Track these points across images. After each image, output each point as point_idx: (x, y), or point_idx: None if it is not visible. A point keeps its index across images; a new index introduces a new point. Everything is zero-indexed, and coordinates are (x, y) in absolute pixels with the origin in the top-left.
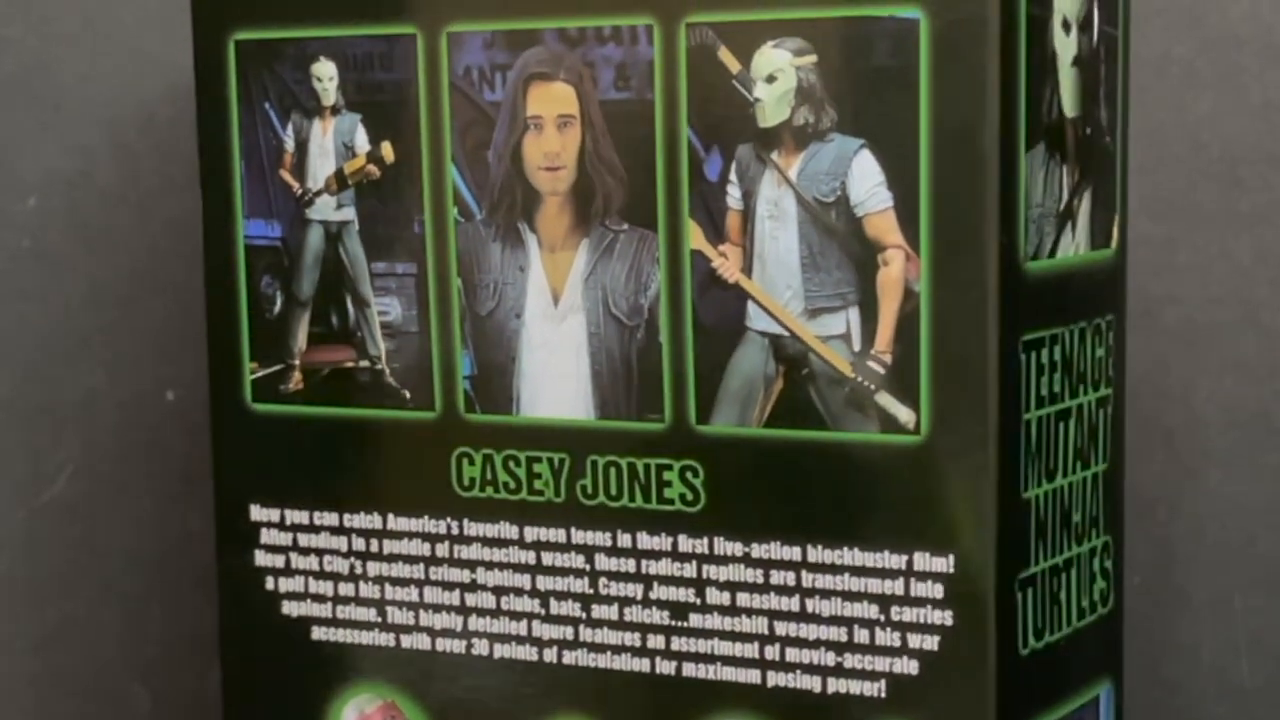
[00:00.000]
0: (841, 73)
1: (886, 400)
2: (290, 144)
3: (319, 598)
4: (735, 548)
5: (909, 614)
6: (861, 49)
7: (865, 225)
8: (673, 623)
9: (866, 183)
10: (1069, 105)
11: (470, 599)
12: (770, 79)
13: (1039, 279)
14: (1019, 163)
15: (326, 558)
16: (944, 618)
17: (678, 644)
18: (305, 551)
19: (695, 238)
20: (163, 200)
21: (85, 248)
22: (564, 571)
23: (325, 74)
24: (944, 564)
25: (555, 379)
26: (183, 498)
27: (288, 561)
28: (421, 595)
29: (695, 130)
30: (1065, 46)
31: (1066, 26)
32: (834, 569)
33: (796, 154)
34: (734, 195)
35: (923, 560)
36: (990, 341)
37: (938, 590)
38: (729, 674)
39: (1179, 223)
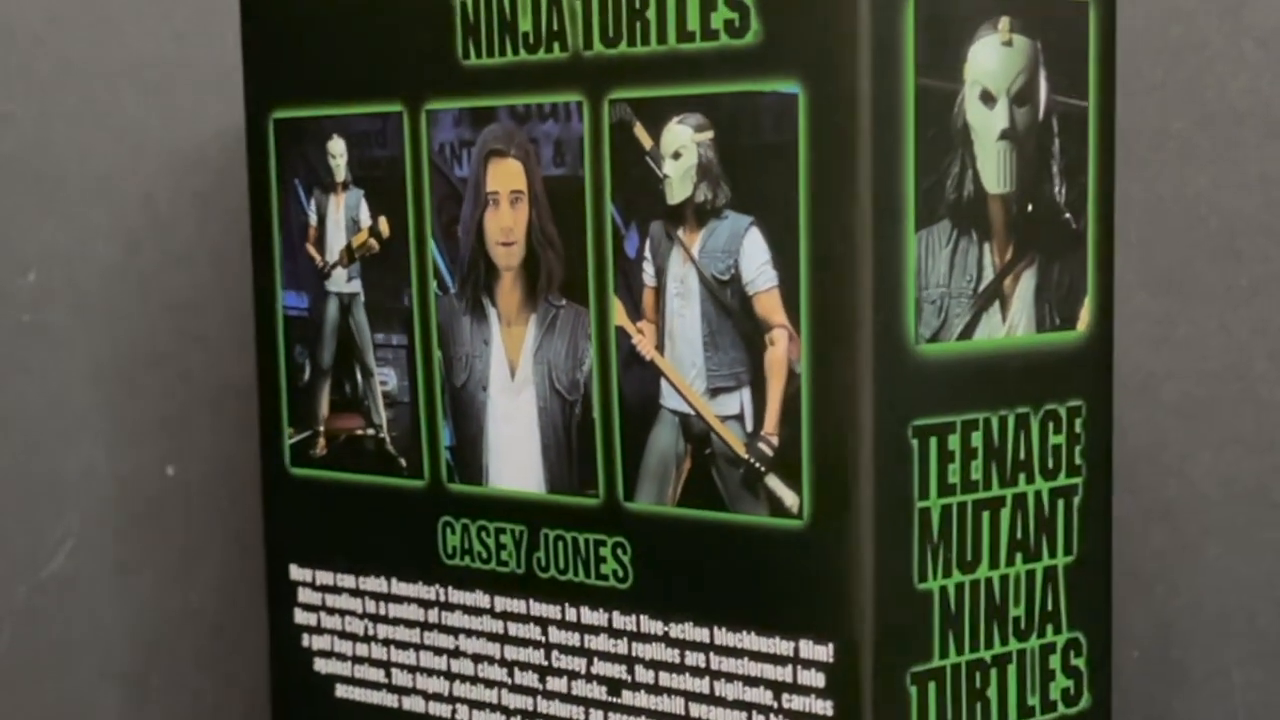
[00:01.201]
0: (734, 149)
1: (774, 483)
2: (314, 218)
3: (341, 656)
4: (657, 626)
5: (797, 702)
6: (750, 125)
7: (755, 304)
8: (609, 699)
9: (755, 261)
10: (994, 181)
11: (454, 665)
12: (676, 155)
13: (939, 362)
14: (904, 240)
15: (347, 618)
16: (825, 708)
17: None
18: (331, 611)
19: (619, 314)
20: (162, 276)
21: (85, 323)
22: (524, 642)
23: (338, 151)
24: (825, 653)
25: (514, 451)
26: (183, 574)
27: (318, 620)
28: (418, 659)
29: (617, 206)
30: (987, 119)
31: (988, 99)
32: (736, 652)
33: (698, 231)
34: (649, 272)
35: (808, 648)
36: (865, 426)
37: (820, 679)
38: None
39: (1177, 296)
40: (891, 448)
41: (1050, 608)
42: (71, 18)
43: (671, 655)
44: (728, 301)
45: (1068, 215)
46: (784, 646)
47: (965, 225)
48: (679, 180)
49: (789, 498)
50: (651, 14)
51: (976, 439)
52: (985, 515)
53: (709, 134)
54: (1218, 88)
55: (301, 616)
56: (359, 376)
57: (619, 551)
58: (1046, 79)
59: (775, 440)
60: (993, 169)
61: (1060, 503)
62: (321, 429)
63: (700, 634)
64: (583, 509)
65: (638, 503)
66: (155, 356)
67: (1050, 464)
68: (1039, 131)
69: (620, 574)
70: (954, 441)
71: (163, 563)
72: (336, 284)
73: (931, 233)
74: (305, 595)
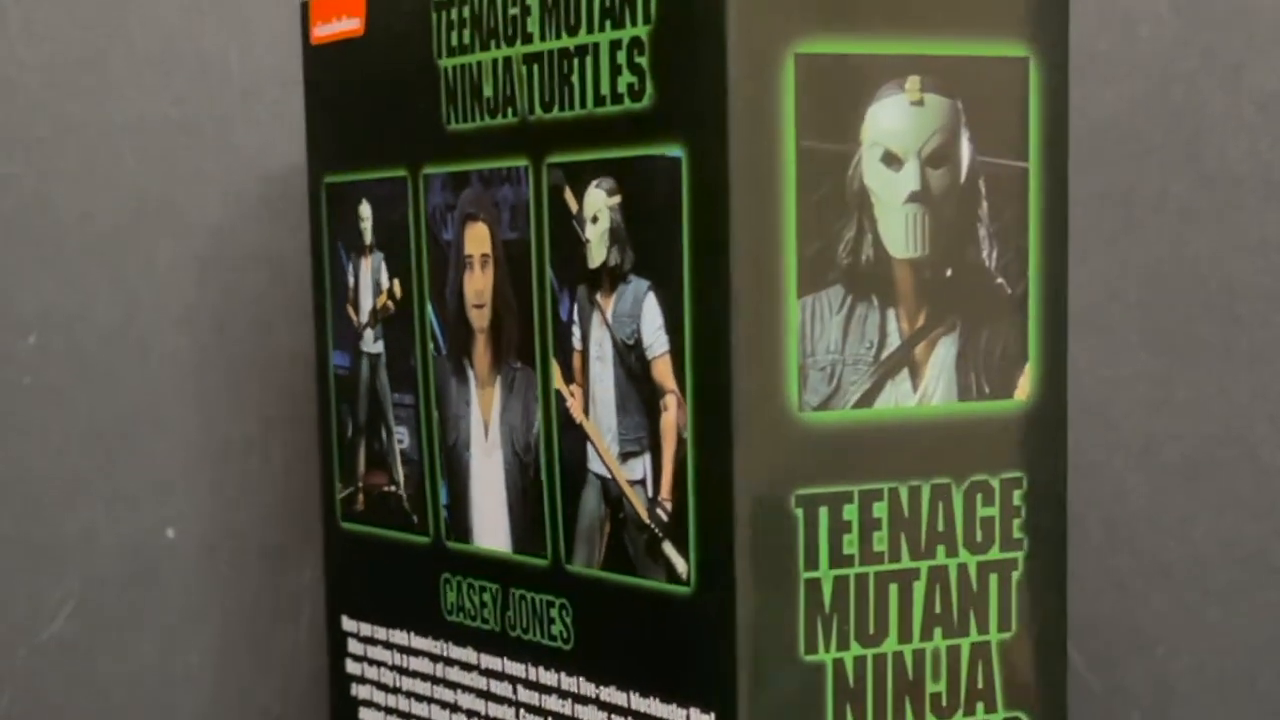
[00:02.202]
0: (636, 212)
1: (669, 549)
2: (351, 279)
3: (377, 706)
4: (591, 689)
5: None
6: (647, 188)
7: (652, 368)
8: None
9: (652, 325)
10: (900, 245)
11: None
12: (594, 219)
13: (829, 430)
14: (783, 305)
15: (380, 669)
16: None
17: None
18: (371, 662)
19: (556, 377)
20: (161, 338)
21: (85, 385)
22: (500, 699)
23: (365, 214)
24: None
25: (488, 511)
26: (183, 636)
27: (362, 670)
28: (430, 712)
29: (554, 270)
30: (891, 181)
31: (893, 160)
32: (646, 718)
33: (610, 295)
34: (576, 335)
35: (696, 716)
36: (741, 494)
37: None
38: None
39: (1178, 359)
40: (772, 516)
41: (981, 685)
42: (72, 79)
43: (601, 718)
44: (632, 366)
45: (1000, 280)
46: (678, 714)
47: (863, 290)
48: (596, 244)
49: (680, 564)
50: (575, 77)
51: (880, 509)
52: (893, 588)
53: (617, 198)
54: (1217, 151)
55: (351, 666)
56: (384, 434)
57: (563, 613)
58: (970, 139)
59: (669, 506)
60: (899, 232)
61: (993, 577)
62: (360, 485)
63: (620, 698)
64: (536, 570)
65: (574, 564)
66: (155, 419)
67: (979, 537)
68: (961, 194)
69: (565, 635)
70: (850, 511)
71: (163, 625)
72: (367, 344)
73: (820, 298)
74: (353, 646)
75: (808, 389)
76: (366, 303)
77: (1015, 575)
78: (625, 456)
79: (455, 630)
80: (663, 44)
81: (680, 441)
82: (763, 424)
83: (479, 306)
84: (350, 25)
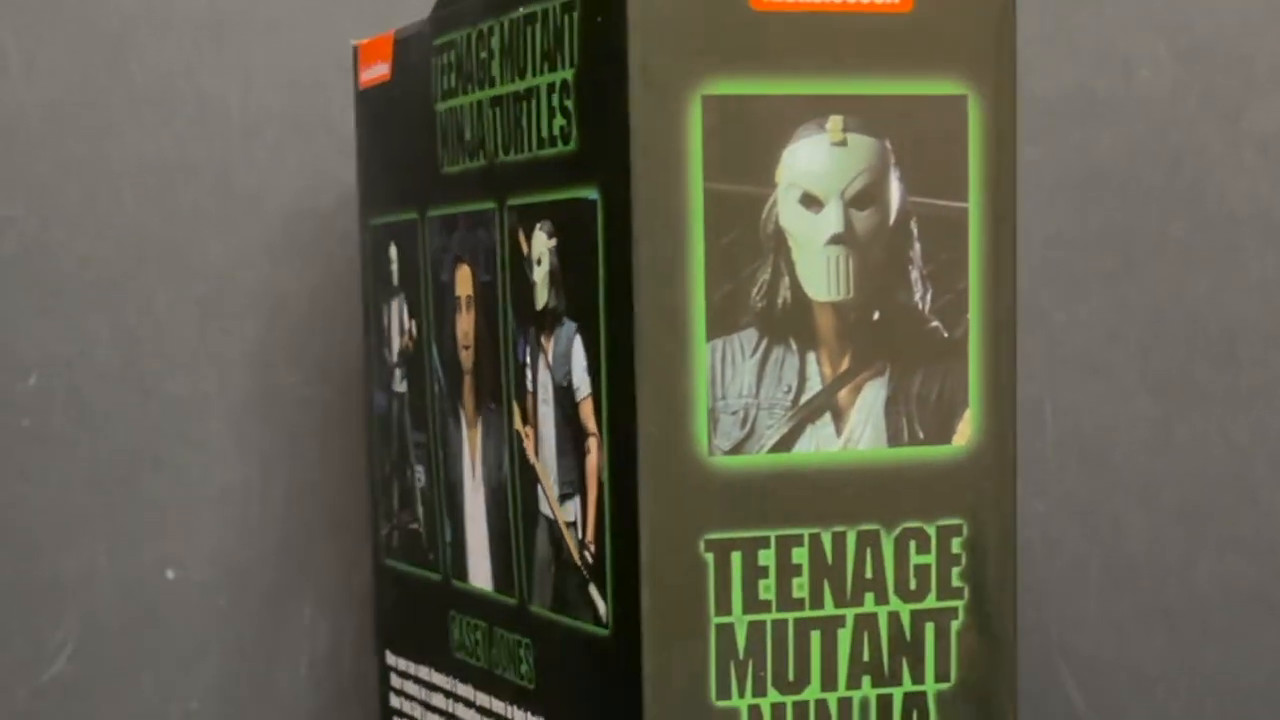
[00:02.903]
0: (567, 255)
1: (594, 591)
2: (385, 321)
3: None
4: None
5: None
6: (574, 231)
7: (579, 411)
8: None
9: (579, 367)
10: (822, 287)
11: None
12: (539, 261)
13: (742, 475)
14: (690, 348)
15: (412, 704)
16: None
17: None
18: (406, 697)
19: (517, 418)
20: (161, 381)
21: (85, 427)
22: None
23: (393, 256)
24: None
25: (478, 549)
26: (183, 678)
27: (401, 705)
28: None
29: (514, 312)
30: (810, 223)
31: (812, 202)
32: None
33: (550, 337)
34: (529, 377)
35: None
36: (648, 538)
37: None
38: None
39: (1177, 401)
40: (681, 560)
41: None
42: (72, 121)
43: None
44: (567, 408)
45: (935, 324)
46: None
47: (780, 333)
48: (540, 286)
49: (601, 607)
50: (525, 120)
51: (800, 555)
52: (815, 635)
53: (555, 240)
54: (1217, 193)
55: (394, 700)
56: (407, 473)
57: (528, 652)
58: (900, 179)
59: (594, 549)
60: (820, 275)
61: (929, 626)
62: (394, 522)
63: None
64: (509, 608)
65: (533, 604)
66: (155, 460)
67: (913, 585)
68: (891, 235)
69: (529, 674)
70: (766, 557)
71: (163, 667)
72: (396, 384)
73: (731, 341)
74: (394, 680)
75: (718, 433)
76: (395, 344)
77: (955, 625)
78: (563, 498)
79: (460, 667)
80: (583, 87)
81: (600, 484)
82: (670, 467)
83: (466, 348)
84: (382, 71)
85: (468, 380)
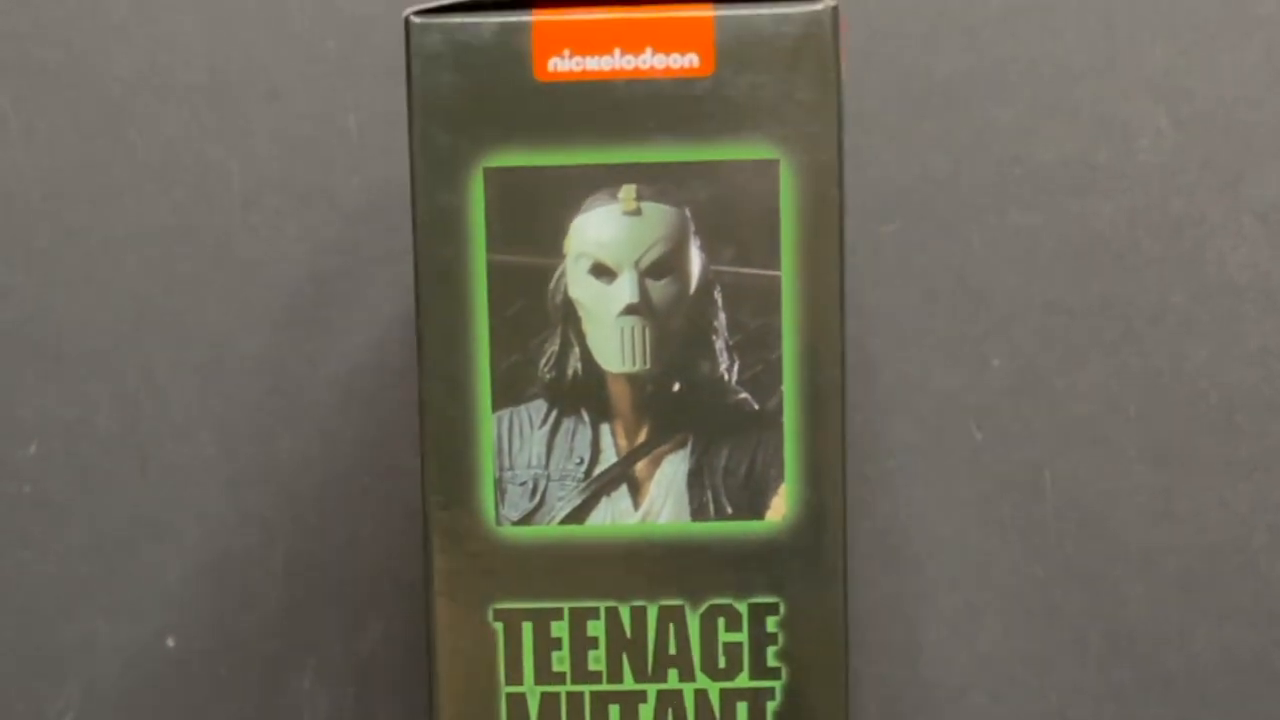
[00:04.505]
0: None
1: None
2: None
3: None
4: None
5: None
6: None
7: None
8: None
9: None
10: (615, 359)
11: None
12: None
13: (531, 546)
14: (475, 420)
15: None
16: None
17: None
18: None
19: None
20: (161, 447)
21: (85, 493)
22: None
23: None
24: None
25: None
26: None
27: None
28: None
29: None
30: (601, 294)
31: (604, 272)
32: None
33: None
34: None
35: None
36: (436, 607)
37: None
38: None
39: (1177, 470)
40: (470, 629)
41: None
42: (71, 187)
43: None
44: None
45: (744, 395)
46: None
47: (571, 405)
48: None
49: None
50: None
51: (595, 628)
52: (614, 709)
53: None
54: (1217, 261)
55: None
56: None
57: None
58: (702, 248)
59: None
60: (613, 346)
61: (742, 706)
62: None
63: None
64: None
65: None
66: (155, 528)
67: (723, 663)
68: (692, 305)
69: None
70: (560, 628)
71: None
72: None
73: (519, 412)
74: None
75: (506, 503)
76: None
77: (771, 705)
78: None
79: None
80: None
81: None
82: (457, 537)
83: None
84: None
85: None
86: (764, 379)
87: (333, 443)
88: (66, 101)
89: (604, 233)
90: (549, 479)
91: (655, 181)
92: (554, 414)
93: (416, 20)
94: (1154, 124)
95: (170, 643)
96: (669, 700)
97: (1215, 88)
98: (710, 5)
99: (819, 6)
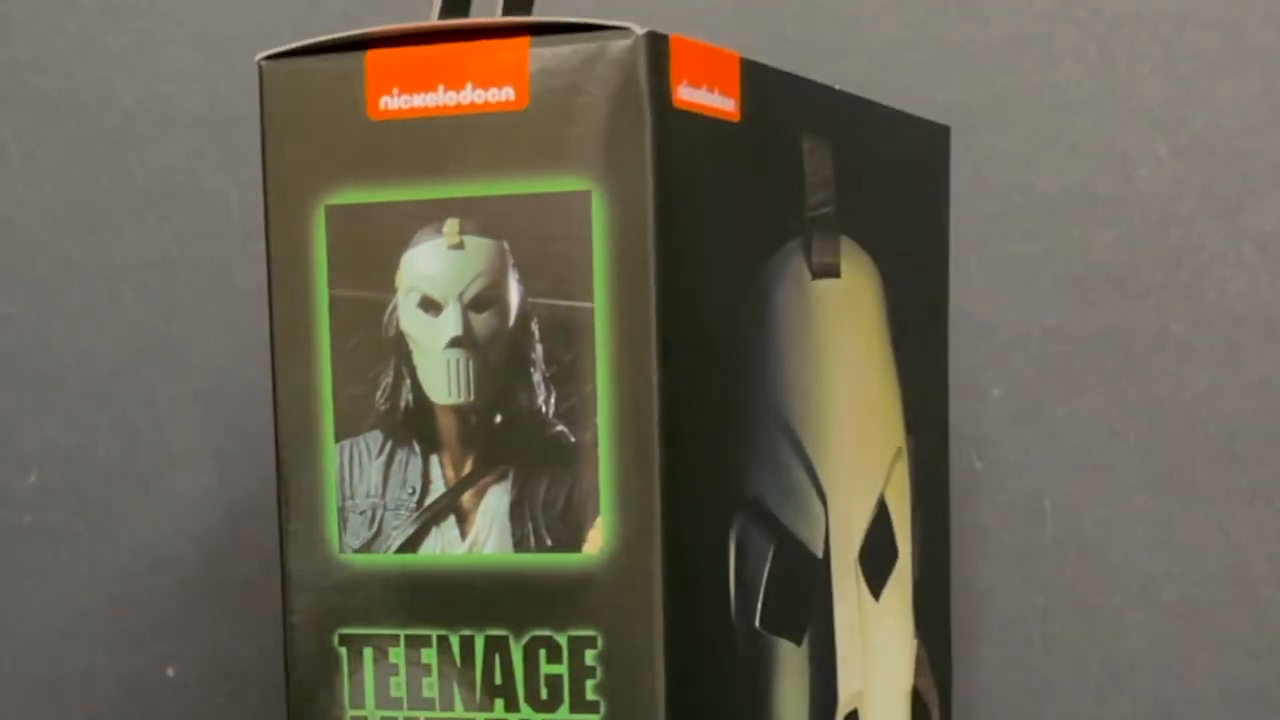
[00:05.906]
0: None
1: None
2: None
3: None
4: None
5: None
6: None
7: None
8: None
9: None
10: (442, 391)
11: None
12: None
13: (372, 573)
14: (321, 450)
15: None
16: None
17: None
18: None
19: None
20: (161, 477)
21: (85, 523)
22: None
23: None
24: None
25: None
26: None
27: None
28: None
29: None
30: (430, 327)
31: (431, 306)
32: None
33: None
34: None
35: None
36: (290, 631)
37: None
38: None
39: (1177, 499)
40: (317, 653)
41: None
42: (71, 218)
43: None
44: None
45: (561, 428)
46: None
47: (404, 436)
48: None
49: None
50: None
51: (429, 655)
52: None
53: None
54: (1217, 290)
55: None
56: None
57: None
58: (519, 280)
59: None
60: (440, 378)
61: None
62: None
63: None
64: None
65: None
66: (155, 557)
67: (544, 695)
68: (511, 337)
69: None
70: (396, 655)
71: None
72: None
73: (358, 443)
74: None
75: (348, 531)
76: None
77: None
78: None
79: None
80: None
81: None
82: (308, 564)
83: None
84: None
85: None
86: (579, 411)
87: None
88: (67, 132)
89: (430, 267)
90: (385, 508)
91: (478, 215)
92: (389, 445)
93: (266, 64)
94: (1153, 153)
95: (170, 672)
96: None
97: (1214, 117)
98: (526, 38)
99: (628, 41)
